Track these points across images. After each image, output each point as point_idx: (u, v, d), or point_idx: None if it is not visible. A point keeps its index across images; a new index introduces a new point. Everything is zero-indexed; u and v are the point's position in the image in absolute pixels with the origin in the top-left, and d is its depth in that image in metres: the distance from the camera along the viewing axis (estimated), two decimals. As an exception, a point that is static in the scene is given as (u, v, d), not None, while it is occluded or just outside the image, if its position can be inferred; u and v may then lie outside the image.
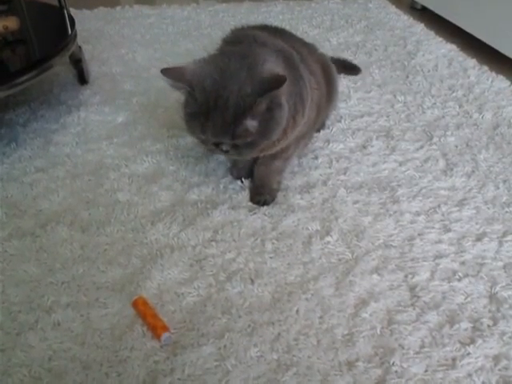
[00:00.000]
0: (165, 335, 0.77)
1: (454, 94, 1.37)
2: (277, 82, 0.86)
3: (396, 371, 0.73)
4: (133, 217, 0.99)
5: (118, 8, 1.96)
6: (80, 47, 1.42)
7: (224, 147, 0.90)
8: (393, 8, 1.91)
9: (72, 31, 1.24)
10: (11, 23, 1.10)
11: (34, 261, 0.90)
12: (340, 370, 0.73)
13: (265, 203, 1.03)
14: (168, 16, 1.89)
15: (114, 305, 0.82)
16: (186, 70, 0.90)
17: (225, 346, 0.76)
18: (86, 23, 1.81)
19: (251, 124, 0.87)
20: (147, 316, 0.80)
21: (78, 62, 1.40)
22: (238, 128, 0.86)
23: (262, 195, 1.03)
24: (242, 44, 0.98)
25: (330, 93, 1.15)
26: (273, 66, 0.91)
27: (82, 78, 1.43)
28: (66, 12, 1.27)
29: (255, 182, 1.07)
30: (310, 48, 1.16)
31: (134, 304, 0.82)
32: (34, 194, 1.05)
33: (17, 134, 1.23)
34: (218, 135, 0.88)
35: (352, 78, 1.44)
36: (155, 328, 0.78)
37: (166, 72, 0.90)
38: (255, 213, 1.00)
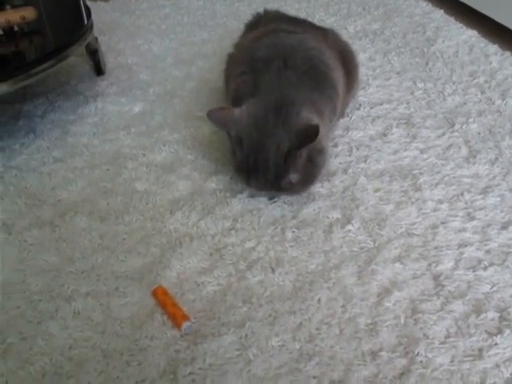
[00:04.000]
0: (185, 324, 0.76)
1: (476, 81, 1.34)
2: (312, 133, 0.87)
3: (421, 361, 0.71)
4: (151, 206, 0.99)
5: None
6: (96, 38, 1.41)
7: (268, 195, 0.98)
8: (411, -6, 1.87)
9: (88, 21, 1.23)
10: (28, 13, 1.10)
11: (53, 250, 0.90)
12: (363, 359, 0.72)
13: None
14: (183, 6, 1.87)
15: (134, 294, 0.82)
16: (232, 116, 0.93)
17: (246, 336, 0.75)
18: (102, 15, 1.80)
19: (294, 177, 0.91)
20: (167, 305, 0.79)
21: (94, 53, 1.40)
22: (281, 184, 0.91)
23: None
24: (272, 73, 0.99)
25: (349, 83, 1.13)
26: (307, 113, 0.93)
27: (99, 69, 1.43)
28: (82, 2, 1.27)
29: None
30: (329, 35, 1.15)
31: (154, 293, 0.81)
32: (53, 184, 1.05)
33: (35, 125, 1.24)
34: (263, 190, 0.95)
35: (371, 65, 1.42)
36: (175, 317, 0.77)
37: (211, 116, 0.93)
38: (275, 201, 0.98)
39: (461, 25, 1.61)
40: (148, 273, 0.85)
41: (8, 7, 1.10)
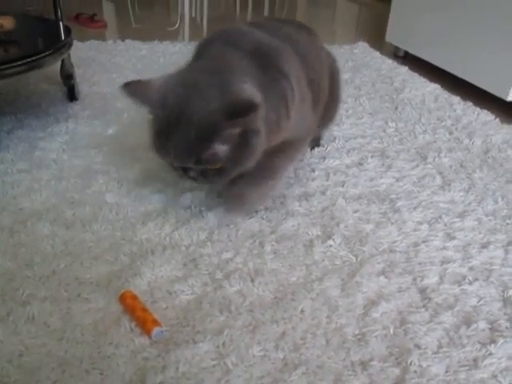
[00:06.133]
0: (156, 330, 0.68)
1: (443, 123, 1.39)
2: (249, 108, 0.75)
3: (415, 371, 0.66)
4: (122, 216, 0.92)
5: (110, 41, 1.98)
6: (72, 64, 1.40)
7: (191, 173, 0.81)
8: (377, 53, 1.99)
9: (66, 39, 1.23)
10: (7, 22, 1.08)
11: (10, 255, 0.82)
12: (353, 369, 0.66)
13: None
14: (159, 50, 1.91)
15: (99, 300, 0.74)
16: (151, 86, 0.80)
17: (224, 344, 0.68)
18: (78, 52, 1.80)
19: (220, 149, 0.77)
20: (136, 310, 0.71)
21: (69, 78, 1.38)
22: (204, 152, 0.77)
23: None
24: (213, 47, 0.88)
25: (332, 87, 1.11)
26: (248, 86, 0.80)
27: (72, 95, 1.40)
28: (60, 21, 1.27)
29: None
30: (306, 36, 1.07)
31: (122, 298, 0.73)
32: (15, 192, 0.98)
33: (0, 139, 1.17)
34: (180, 158, 0.78)
35: (344, 106, 1.46)
36: (145, 322, 0.69)
37: (127, 88, 0.79)
38: (252, 216, 0.94)
39: (425, 79, 1.71)
40: (116, 279, 0.78)
41: (-13, 14, 1.08)
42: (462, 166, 1.18)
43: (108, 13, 2.77)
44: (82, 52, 1.82)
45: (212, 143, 0.76)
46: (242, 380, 0.64)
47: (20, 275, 0.77)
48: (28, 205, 0.94)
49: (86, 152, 1.14)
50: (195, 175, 0.82)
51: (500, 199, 1.05)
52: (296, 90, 0.89)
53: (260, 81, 0.83)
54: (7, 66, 1.05)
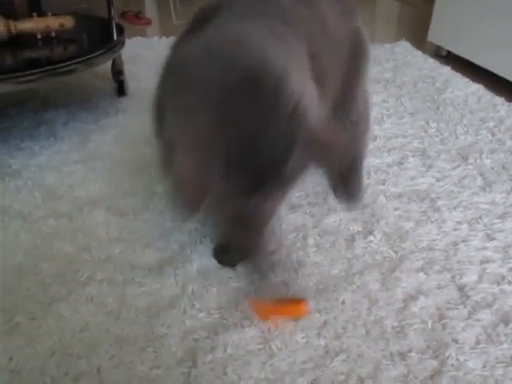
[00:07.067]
0: (304, 306, 0.75)
1: (486, 125, 1.38)
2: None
3: (452, 364, 0.68)
4: (172, 207, 0.98)
5: (155, 38, 2.05)
6: (122, 61, 1.47)
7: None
8: (419, 53, 1.98)
9: (119, 37, 1.29)
10: (67, 22, 1.15)
11: (69, 239, 0.88)
12: (392, 359, 0.68)
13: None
14: (203, 48, 1.96)
15: (151, 285, 0.79)
16: None
17: (269, 330, 0.72)
18: (125, 48, 1.87)
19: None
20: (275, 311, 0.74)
21: (119, 74, 1.45)
22: (284, 173, 0.60)
23: None
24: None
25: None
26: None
27: (122, 90, 1.47)
28: (113, 21, 1.33)
29: None
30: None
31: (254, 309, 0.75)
32: (72, 182, 1.04)
33: (56, 131, 1.25)
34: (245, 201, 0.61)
35: (384, 105, 1.47)
36: (291, 311, 0.75)
37: None
38: (296, 211, 0.98)
39: (467, 79, 1.70)
40: (167, 265, 0.83)
41: (49, 14, 1.15)
42: (503, 167, 1.18)
43: (150, 9, 2.85)
44: (129, 49, 1.88)
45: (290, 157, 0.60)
46: (285, 364, 0.67)
47: (79, 258, 0.84)
48: (83, 193, 1.01)
49: (136, 145, 1.20)
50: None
51: (542, 202, 1.05)
52: None
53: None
54: (64, 64, 1.11)
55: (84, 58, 1.13)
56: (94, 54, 1.15)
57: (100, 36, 1.33)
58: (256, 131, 0.57)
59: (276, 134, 0.57)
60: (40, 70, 1.05)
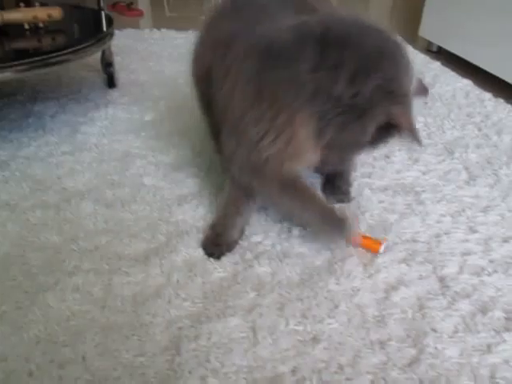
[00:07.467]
0: (382, 246, 0.87)
1: (473, 120, 1.40)
2: None
3: (430, 352, 0.69)
4: (158, 198, 0.98)
5: (147, 30, 2.04)
6: (112, 52, 1.47)
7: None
8: (409, 48, 1.99)
9: (108, 29, 1.29)
10: (55, 12, 1.15)
11: (56, 230, 0.89)
12: (372, 347, 0.70)
13: None
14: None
15: (137, 274, 0.80)
16: None
17: (252, 319, 0.73)
18: (116, 40, 1.86)
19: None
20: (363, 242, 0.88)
21: (108, 66, 1.45)
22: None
23: None
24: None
25: None
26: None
27: (111, 82, 1.47)
28: (103, 12, 1.33)
29: None
30: None
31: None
32: (60, 173, 1.05)
33: (45, 122, 1.25)
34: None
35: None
36: (370, 245, 0.88)
37: None
38: (281, 203, 0.99)
39: (457, 75, 1.71)
40: (153, 256, 0.84)
41: (37, 4, 1.15)
42: (488, 162, 1.20)
43: (142, 1, 2.84)
44: (119, 40, 1.87)
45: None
46: (267, 351, 0.69)
47: (66, 248, 0.84)
48: (71, 185, 1.02)
49: (125, 137, 1.20)
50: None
51: (525, 196, 1.07)
52: None
53: None
54: (54, 54, 1.11)
55: (72, 49, 1.12)
56: (83, 45, 1.15)
57: (89, 27, 1.32)
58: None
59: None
60: (28, 60, 1.05)
